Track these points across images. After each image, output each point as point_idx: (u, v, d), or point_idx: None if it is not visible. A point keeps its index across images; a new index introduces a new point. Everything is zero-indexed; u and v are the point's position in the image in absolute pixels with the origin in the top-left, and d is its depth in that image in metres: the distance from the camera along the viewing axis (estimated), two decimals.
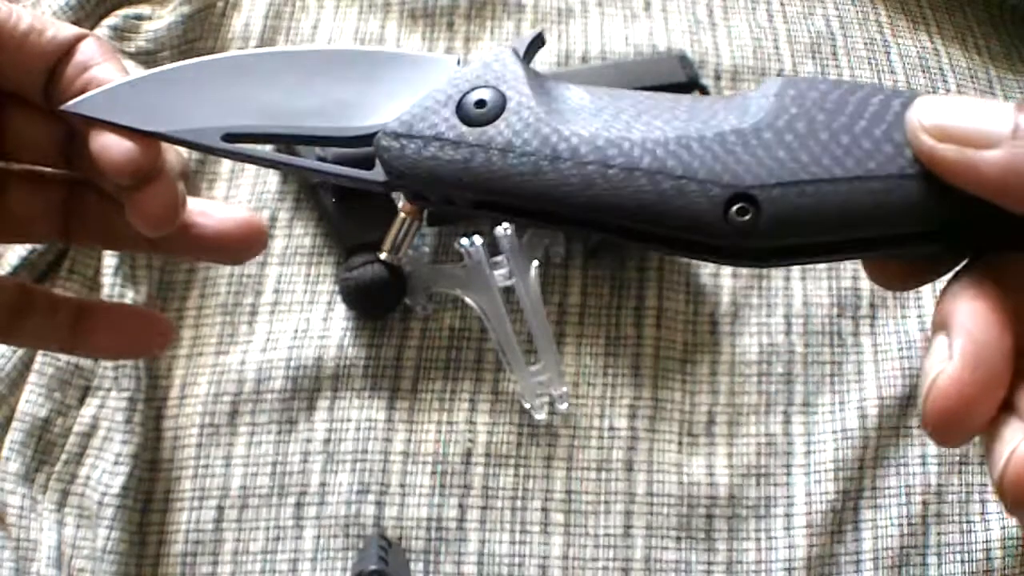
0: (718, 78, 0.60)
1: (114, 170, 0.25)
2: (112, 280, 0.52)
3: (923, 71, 0.61)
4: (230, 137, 0.25)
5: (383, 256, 0.51)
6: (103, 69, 0.27)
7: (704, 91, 0.58)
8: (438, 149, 0.23)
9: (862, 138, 0.21)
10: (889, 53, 0.62)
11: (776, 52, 0.61)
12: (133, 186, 0.26)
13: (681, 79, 0.57)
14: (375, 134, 0.24)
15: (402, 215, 0.51)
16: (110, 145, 0.25)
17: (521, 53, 0.25)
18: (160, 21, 0.59)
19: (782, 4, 0.63)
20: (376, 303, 0.52)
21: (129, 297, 0.52)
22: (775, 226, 0.21)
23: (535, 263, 0.51)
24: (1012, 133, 0.19)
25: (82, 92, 0.26)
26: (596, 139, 0.22)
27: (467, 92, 0.23)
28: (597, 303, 0.54)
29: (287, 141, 0.26)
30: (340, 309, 0.53)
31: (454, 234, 0.53)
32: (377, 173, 0.24)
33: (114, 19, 0.58)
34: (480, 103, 0.23)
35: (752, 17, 0.63)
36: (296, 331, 0.53)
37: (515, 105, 0.23)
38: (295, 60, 0.26)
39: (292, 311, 0.54)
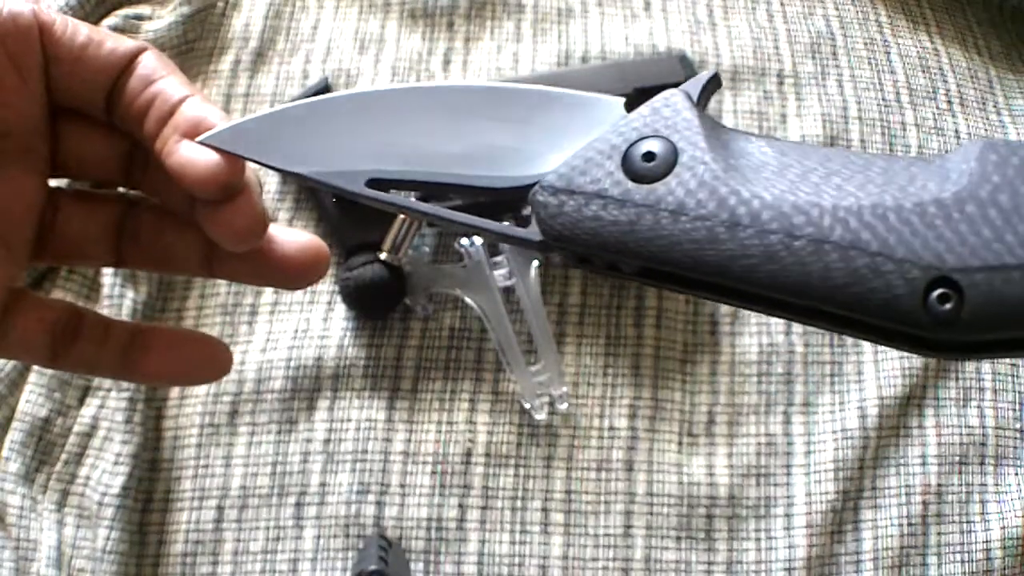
0: None
1: (199, 184, 0.24)
2: (112, 280, 0.52)
3: (923, 71, 0.61)
4: (375, 183, 0.23)
5: (383, 256, 0.51)
6: (168, 83, 0.26)
7: None
8: (600, 208, 0.20)
9: None
10: (889, 53, 0.62)
11: (776, 52, 0.61)
12: (217, 200, 0.25)
13: (681, 79, 0.57)
14: (531, 186, 0.22)
15: (402, 215, 0.51)
16: (194, 159, 0.24)
17: (695, 96, 0.22)
18: (160, 21, 0.59)
19: (782, 4, 0.63)
20: (376, 303, 0.52)
21: (129, 297, 0.52)
22: (980, 317, 0.18)
23: (535, 263, 0.51)
24: None
25: (149, 105, 0.26)
26: (781, 204, 0.19)
27: (634, 142, 0.21)
28: (597, 303, 0.54)
29: (436, 190, 0.24)
30: (340, 309, 0.53)
31: (454, 234, 0.53)
32: (533, 232, 0.22)
33: (114, 19, 0.58)
34: (649, 156, 0.21)
35: (752, 17, 0.63)
36: (296, 331, 0.53)
37: (688, 159, 0.20)
38: (444, 97, 0.24)
39: (292, 311, 0.54)
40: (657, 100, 0.22)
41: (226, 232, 0.25)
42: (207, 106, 0.26)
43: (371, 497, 0.49)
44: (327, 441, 0.51)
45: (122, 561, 0.47)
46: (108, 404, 0.50)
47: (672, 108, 0.21)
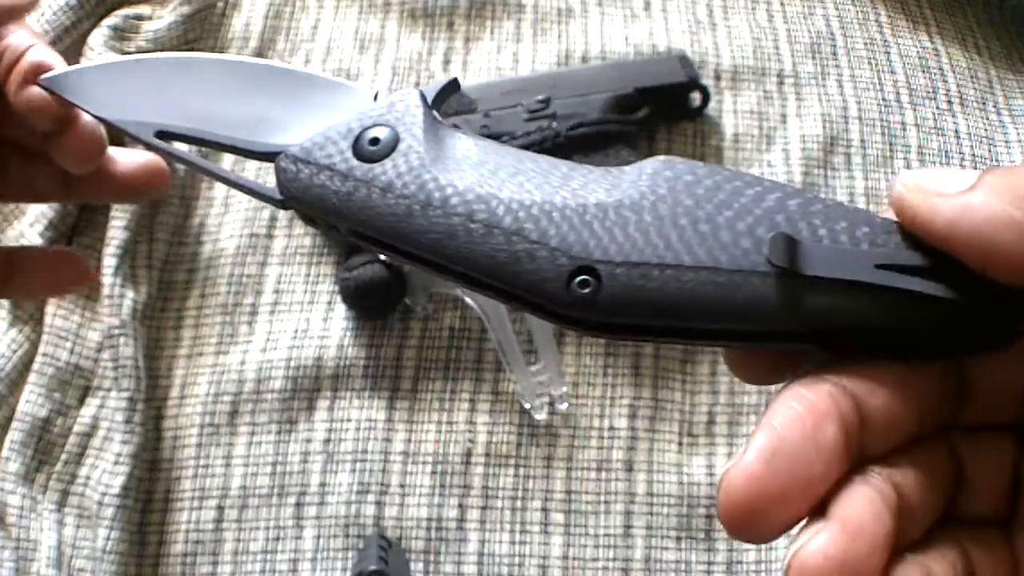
0: (718, 78, 0.60)
1: (34, 118, 0.30)
2: (112, 280, 0.52)
3: (923, 71, 0.61)
4: (163, 135, 0.27)
5: (383, 256, 0.51)
6: (17, 35, 0.30)
7: (704, 91, 0.58)
8: (327, 179, 0.24)
9: (722, 229, 0.21)
10: (889, 53, 0.62)
11: (776, 52, 0.61)
12: (56, 130, 0.30)
13: (681, 79, 0.57)
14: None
15: None
16: (30, 98, 0.30)
17: (430, 98, 0.26)
18: (160, 21, 0.59)
19: (782, 4, 0.63)
20: (376, 303, 0.52)
21: (129, 297, 0.52)
22: (613, 304, 0.21)
23: None
24: (971, 186, 0.19)
25: (1, 56, 0.30)
26: (467, 192, 0.22)
27: (368, 128, 0.24)
28: None
29: (211, 146, 0.28)
30: (340, 309, 0.53)
31: None
32: (275, 190, 0.26)
33: (114, 19, 0.58)
34: (374, 140, 0.24)
35: (752, 17, 0.63)
36: (296, 331, 0.53)
37: (404, 147, 0.24)
38: (235, 69, 0.28)
39: (292, 311, 0.54)
40: (396, 95, 0.25)
41: (66, 156, 0.31)
42: (48, 52, 0.30)
43: (371, 497, 0.49)
44: (327, 441, 0.51)
45: (122, 561, 0.47)
46: (108, 404, 0.50)
47: (405, 104, 0.25)
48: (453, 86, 0.27)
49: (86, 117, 0.31)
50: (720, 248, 0.20)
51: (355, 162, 0.24)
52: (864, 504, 0.19)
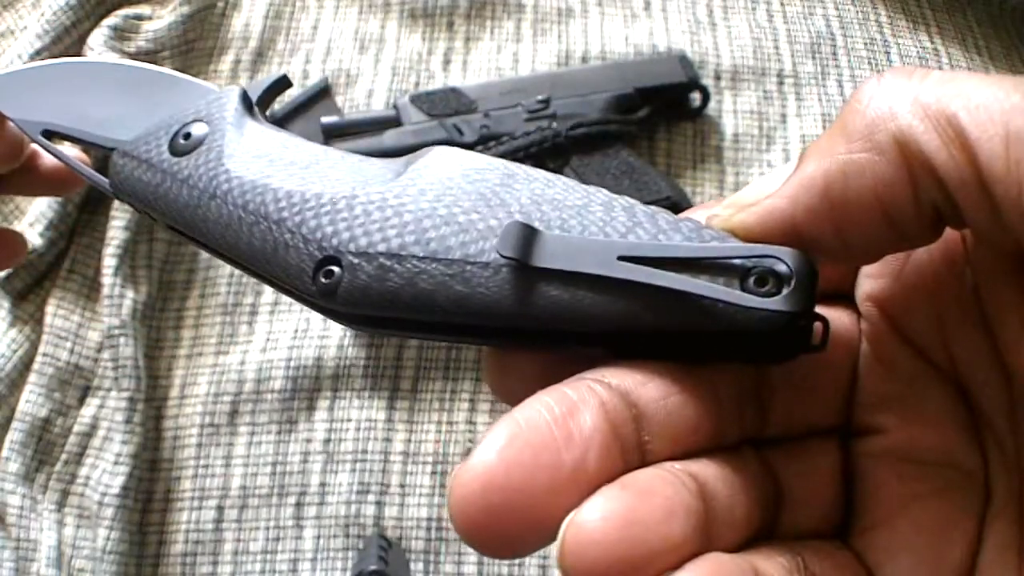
0: (718, 78, 0.60)
1: None
2: (112, 280, 0.52)
3: None
4: (48, 133, 0.29)
5: None
6: None
7: (704, 91, 0.58)
8: (143, 171, 0.25)
9: (474, 223, 0.20)
10: (889, 53, 0.62)
11: (776, 52, 0.61)
12: None
13: (681, 79, 0.57)
14: None
15: None
16: None
17: (255, 95, 0.26)
18: (160, 21, 0.59)
19: (782, 4, 0.63)
20: None
21: (129, 297, 0.52)
22: (351, 294, 0.20)
23: None
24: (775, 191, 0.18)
25: None
26: (246, 185, 0.23)
27: (187, 123, 0.25)
28: None
29: (85, 144, 0.28)
30: None
31: None
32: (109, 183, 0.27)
33: (114, 19, 0.58)
34: (187, 135, 0.25)
35: (752, 17, 0.63)
36: (296, 331, 0.53)
37: (209, 142, 0.24)
38: (119, 73, 0.29)
39: (292, 311, 0.54)
40: (219, 92, 0.26)
41: None
42: None
43: (371, 497, 0.49)
44: (327, 441, 0.51)
45: (122, 561, 0.47)
46: (108, 404, 0.50)
47: (221, 101, 0.25)
48: (282, 83, 0.28)
49: (8, 122, 0.33)
50: (463, 242, 0.20)
51: (166, 155, 0.25)
52: (654, 473, 0.16)
